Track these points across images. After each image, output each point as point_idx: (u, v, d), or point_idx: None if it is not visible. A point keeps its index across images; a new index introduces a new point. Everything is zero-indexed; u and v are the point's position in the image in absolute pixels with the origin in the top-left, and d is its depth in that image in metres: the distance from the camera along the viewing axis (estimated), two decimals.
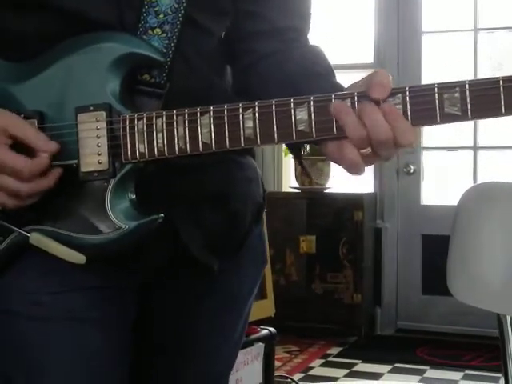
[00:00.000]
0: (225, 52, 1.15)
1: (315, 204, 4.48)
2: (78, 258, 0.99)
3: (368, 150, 0.92)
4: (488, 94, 0.87)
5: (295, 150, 1.08)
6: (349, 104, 0.91)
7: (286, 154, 4.76)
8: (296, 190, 4.63)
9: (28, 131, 0.97)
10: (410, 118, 0.90)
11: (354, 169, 0.94)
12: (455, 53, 4.64)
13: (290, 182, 4.91)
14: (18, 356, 1.05)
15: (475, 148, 4.52)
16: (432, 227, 4.41)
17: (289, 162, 4.88)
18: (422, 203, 4.63)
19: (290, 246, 4.48)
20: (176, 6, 1.02)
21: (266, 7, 1.12)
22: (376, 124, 0.90)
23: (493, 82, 0.87)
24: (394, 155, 0.94)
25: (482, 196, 1.58)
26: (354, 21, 4.89)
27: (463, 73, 4.56)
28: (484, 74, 4.58)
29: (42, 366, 1.04)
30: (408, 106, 0.90)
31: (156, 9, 1.02)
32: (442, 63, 4.64)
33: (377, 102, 0.90)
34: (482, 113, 0.88)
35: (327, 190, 4.50)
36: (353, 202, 4.40)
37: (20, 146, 0.97)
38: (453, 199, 1.75)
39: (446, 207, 4.16)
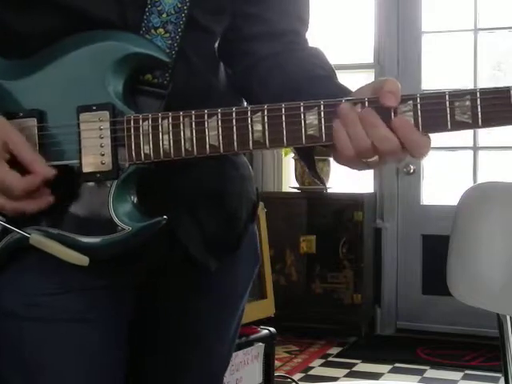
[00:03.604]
0: (224, 53, 1.14)
1: (315, 204, 4.48)
2: (81, 259, 0.98)
3: (375, 158, 0.92)
4: (499, 102, 0.87)
5: (306, 158, 1.06)
6: (359, 110, 0.91)
7: (285, 154, 4.75)
8: (296, 190, 4.63)
9: (26, 151, 0.96)
10: (420, 125, 0.90)
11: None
12: (455, 53, 4.64)
13: (290, 182, 4.91)
14: (15, 357, 1.04)
15: (475, 148, 4.52)
16: (432, 227, 4.41)
17: (289, 162, 4.88)
18: (421, 203, 4.63)
19: (290, 246, 4.47)
20: (179, 5, 1.01)
21: (265, 9, 1.11)
22: (382, 138, 0.89)
23: (504, 91, 0.87)
24: (404, 159, 0.93)
25: (482, 196, 1.58)
26: (354, 21, 4.89)
27: (463, 73, 4.56)
28: (484, 73, 4.58)
29: (39, 366, 1.04)
30: (419, 113, 0.89)
31: (159, 8, 1.01)
32: (441, 63, 4.64)
33: (387, 111, 0.90)
34: (492, 121, 0.88)
35: (327, 190, 4.50)
36: (353, 202, 4.40)
37: (15, 161, 0.96)
38: (453, 199, 1.75)
39: (446, 207, 4.16)
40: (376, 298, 4.63)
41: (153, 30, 1.01)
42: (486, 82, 4.56)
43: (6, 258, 1.02)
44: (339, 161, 0.96)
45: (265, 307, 2.98)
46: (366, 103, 0.91)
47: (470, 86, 4.49)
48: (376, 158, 0.92)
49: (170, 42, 1.01)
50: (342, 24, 4.85)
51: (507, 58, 4.67)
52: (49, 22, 1.00)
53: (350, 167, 0.96)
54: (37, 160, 0.96)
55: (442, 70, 4.64)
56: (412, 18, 4.59)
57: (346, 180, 4.55)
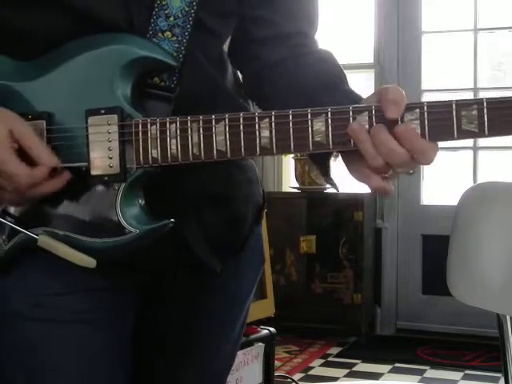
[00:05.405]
0: (234, 57, 1.15)
1: (315, 204, 4.48)
2: (89, 261, 0.98)
3: (390, 172, 0.93)
4: (505, 112, 0.87)
5: (321, 164, 1.06)
6: (366, 119, 0.91)
7: (285, 155, 4.75)
8: (296, 190, 4.63)
9: (33, 140, 0.96)
10: (427, 133, 0.90)
11: (383, 192, 0.95)
12: (455, 53, 4.64)
13: (290, 182, 4.91)
14: (19, 357, 1.04)
15: (475, 148, 4.52)
16: (432, 227, 4.41)
17: (289, 162, 4.88)
18: (421, 203, 4.63)
19: (290, 246, 4.47)
20: (187, 9, 1.01)
21: (272, 12, 1.11)
22: (392, 153, 0.90)
23: (511, 101, 0.87)
24: (415, 168, 0.94)
25: (482, 196, 1.58)
26: (354, 21, 4.89)
27: (463, 73, 4.56)
28: (484, 74, 4.58)
29: (44, 368, 1.04)
30: (426, 122, 0.89)
31: (166, 11, 1.01)
32: (441, 63, 4.64)
33: (393, 120, 0.90)
34: (499, 130, 0.88)
35: (327, 190, 4.50)
36: (353, 202, 4.40)
37: (22, 150, 0.95)
38: (453, 199, 1.75)
39: (446, 207, 4.16)
40: (376, 297, 4.63)
41: (160, 34, 1.01)
42: (486, 82, 4.57)
43: (12, 259, 1.02)
44: (355, 178, 0.98)
45: (265, 307, 2.98)
46: (373, 111, 0.91)
47: (470, 86, 4.49)
48: (390, 172, 0.93)
49: (177, 45, 1.01)
50: (342, 24, 4.85)
51: (507, 58, 4.67)
52: (53, 23, 1.00)
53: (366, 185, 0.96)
54: (43, 150, 0.96)
55: (442, 70, 4.64)
56: (412, 17, 4.59)
57: (346, 180, 4.55)
